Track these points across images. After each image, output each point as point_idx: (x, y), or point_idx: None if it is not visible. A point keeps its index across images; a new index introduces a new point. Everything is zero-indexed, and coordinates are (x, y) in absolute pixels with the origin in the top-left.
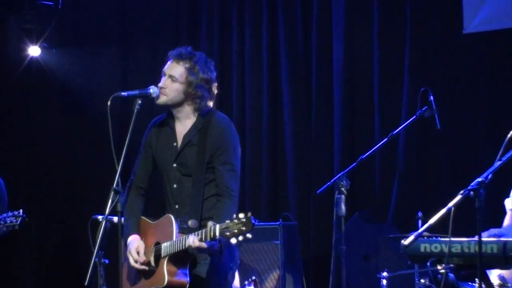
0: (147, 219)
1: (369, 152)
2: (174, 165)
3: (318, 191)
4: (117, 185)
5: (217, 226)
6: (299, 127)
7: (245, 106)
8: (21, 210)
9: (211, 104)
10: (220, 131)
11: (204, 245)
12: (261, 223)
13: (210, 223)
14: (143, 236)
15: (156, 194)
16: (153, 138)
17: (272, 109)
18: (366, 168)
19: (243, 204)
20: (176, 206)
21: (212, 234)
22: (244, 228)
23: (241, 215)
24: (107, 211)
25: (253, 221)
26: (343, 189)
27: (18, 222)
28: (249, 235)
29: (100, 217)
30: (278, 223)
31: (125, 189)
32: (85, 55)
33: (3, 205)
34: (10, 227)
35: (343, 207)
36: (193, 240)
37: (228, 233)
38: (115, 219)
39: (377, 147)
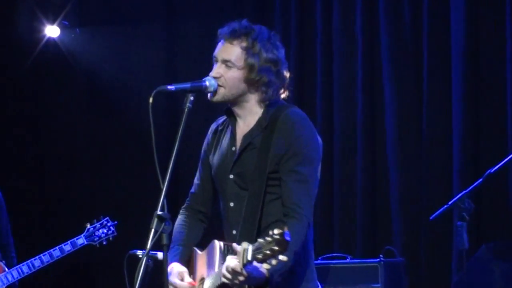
0: (197, 250)
1: (500, 164)
2: (231, 176)
3: (431, 217)
4: (162, 210)
5: (250, 248)
6: (406, 132)
7: (332, 106)
8: (107, 218)
9: (283, 95)
10: (288, 128)
11: (238, 267)
12: (356, 260)
13: (244, 244)
14: (191, 272)
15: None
16: (211, 147)
17: (369, 109)
18: (496, 185)
19: (332, 234)
20: (234, 232)
21: (245, 258)
22: (276, 248)
23: (276, 231)
24: (148, 244)
25: (287, 238)
26: (464, 214)
27: (115, 231)
28: (283, 258)
29: (139, 253)
30: (378, 260)
31: (180, 212)
32: (118, 36)
33: (4, 217)
34: (104, 240)
35: (465, 238)
36: (230, 261)
37: (260, 256)
38: (160, 255)
39: (510, 157)
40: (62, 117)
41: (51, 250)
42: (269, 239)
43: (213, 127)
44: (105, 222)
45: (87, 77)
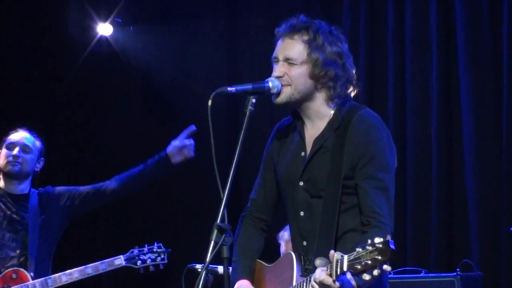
0: (262, 262)
1: None
2: (301, 183)
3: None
4: (222, 220)
5: (345, 258)
6: (484, 136)
7: (405, 106)
8: (160, 244)
9: (352, 93)
10: (364, 131)
11: (329, 280)
12: (431, 275)
13: (337, 254)
14: (257, 286)
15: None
16: (275, 150)
17: (444, 112)
18: None
19: (404, 247)
20: (304, 243)
21: (339, 268)
22: (380, 257)
23: (377, 240)
24: (208, 258)
25: (392, 246)
26: None
27: (166, 258)
28: (387, 268)
29: (198, 266)
30: (455, 274)
31: (239, 222)
32: (176, 33)
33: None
34: (151, 267)
35: None
36: (319, 274)
37: (359, 266)
38: (220, 268)
39: None
40: (115, 120)
41: (84, 266)
42: (369, 248)
43: (278, 128)
44: (156, 248)
45: (141, 78)
